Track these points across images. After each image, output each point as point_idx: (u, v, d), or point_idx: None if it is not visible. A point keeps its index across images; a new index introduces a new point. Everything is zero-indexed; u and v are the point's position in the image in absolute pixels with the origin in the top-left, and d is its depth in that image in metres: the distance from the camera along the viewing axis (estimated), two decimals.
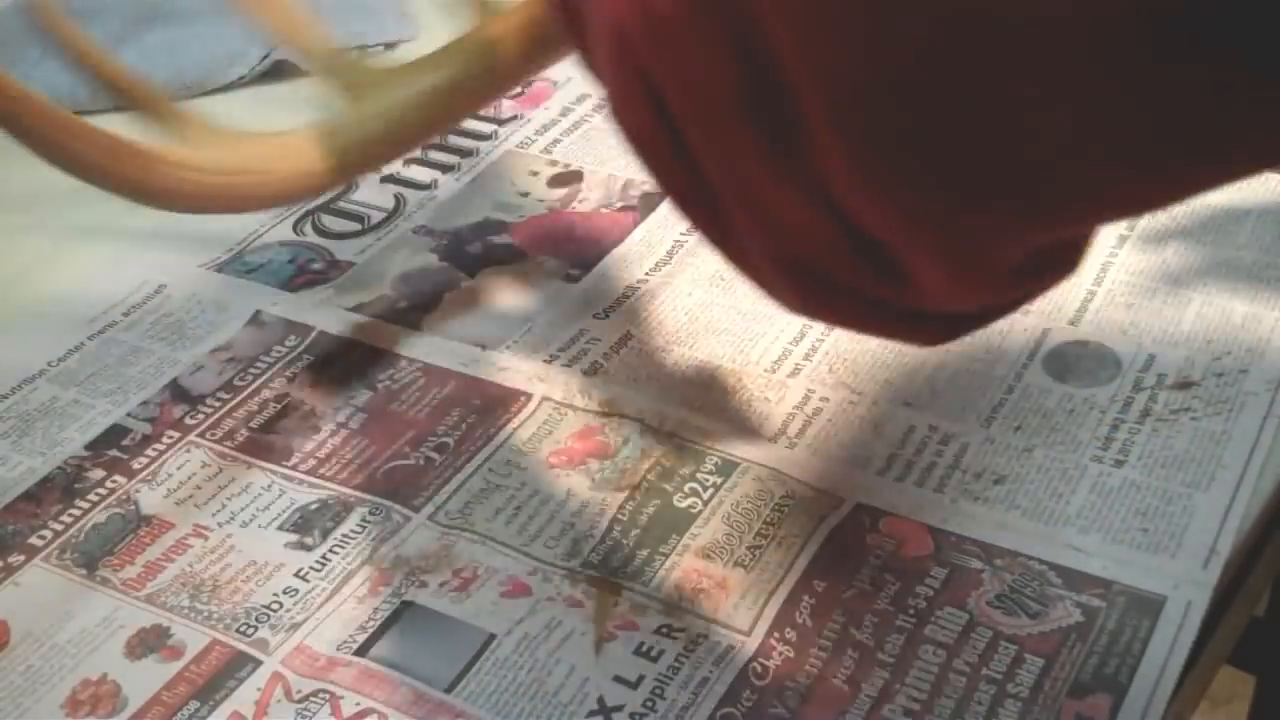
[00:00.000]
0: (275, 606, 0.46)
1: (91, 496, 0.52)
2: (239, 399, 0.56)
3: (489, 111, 0.73)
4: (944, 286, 0.29)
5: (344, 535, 0.49)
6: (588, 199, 0.66)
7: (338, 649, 0.45)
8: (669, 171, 0.30)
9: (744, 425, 0.52)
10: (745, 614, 0.45)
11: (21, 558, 0.49)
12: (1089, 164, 0.25)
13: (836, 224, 0.27)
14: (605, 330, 0.57)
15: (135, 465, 0.53)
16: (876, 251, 0.28)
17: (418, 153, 0.70)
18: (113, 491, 0.52)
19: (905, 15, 0.24)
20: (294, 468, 0.52)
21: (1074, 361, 0.53)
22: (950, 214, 0.26)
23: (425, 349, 0.57)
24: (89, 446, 0.54)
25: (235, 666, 0.45)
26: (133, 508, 0.51)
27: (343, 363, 0.57)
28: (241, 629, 0.46)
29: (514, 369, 0.56)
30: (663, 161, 0.30)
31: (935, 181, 0.26)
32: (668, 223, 0.63)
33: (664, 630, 0.44)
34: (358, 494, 0.51)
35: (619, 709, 0.42)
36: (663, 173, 0.31)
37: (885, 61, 0.24)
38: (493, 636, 0.45)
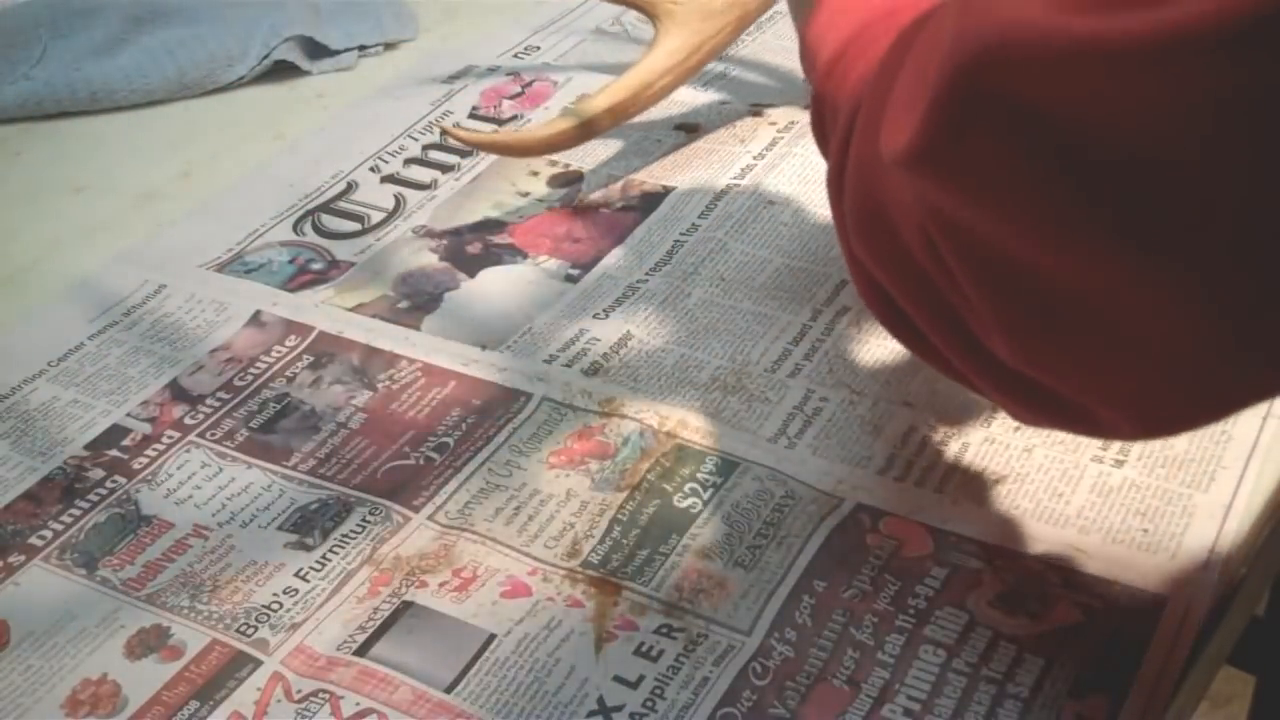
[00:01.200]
0: (275, 606, 0.46)
1: (91, 496, 0.52)
2: (239, 399, 0.56)
3: (489, 112, 0.74)
4: (1125, 428, 0.36)
5: (344, 535, 0.49)
6: (588, 199, 0.66)
7: (338, 649, 0.45)
8: (894, 326, 0.41)
9: (744, 425, 0.52)
10: (745, 614, 0.45)
11: (21, 558, 0.49)
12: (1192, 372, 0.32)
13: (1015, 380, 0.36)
14: (605, 330, 0.57)
15: (135, 465, 0.53)
16: (1064, 404, 0.36)
17: (418, 153, 0.71)
18: (113, 491, 0.52)
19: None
20: (294, 468, 0.52)
21: None
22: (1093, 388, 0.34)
23: (425, 349, 0.57)
24: (89, 446, 0.54)
25: (235, 666, 0.45)
26: (133, 508, 0.51)
27: (343, 363, 0.57)
28: (241, 629, 0.46)
29: (514, 369, 0.56)
30: (888, 320, 0.41)
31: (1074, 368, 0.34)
32: (668, 223, 0.63)
33: (664, 630, 0.44)
34: (358, 494, 0.51)
35: (619, 709, 0.42)
36: (889, 326, 0.41)
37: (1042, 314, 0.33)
38: (493, 636, 0.45)
